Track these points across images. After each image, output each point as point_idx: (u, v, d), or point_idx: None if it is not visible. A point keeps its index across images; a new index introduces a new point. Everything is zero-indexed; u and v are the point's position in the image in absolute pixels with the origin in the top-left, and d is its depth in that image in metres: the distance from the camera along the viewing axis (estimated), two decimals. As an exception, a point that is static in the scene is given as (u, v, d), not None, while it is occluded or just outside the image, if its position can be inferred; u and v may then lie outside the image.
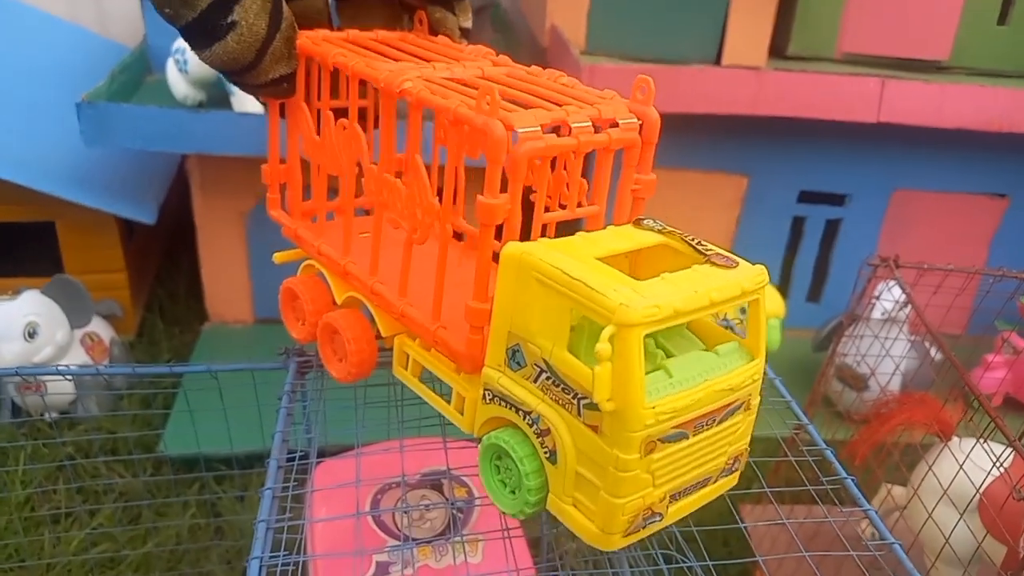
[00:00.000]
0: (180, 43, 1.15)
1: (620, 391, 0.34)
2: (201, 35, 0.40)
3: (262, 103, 0.51)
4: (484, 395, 0.41)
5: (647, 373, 0.35)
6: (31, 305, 1.08)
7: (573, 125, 0.39)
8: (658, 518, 0.38)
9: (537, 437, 0.38)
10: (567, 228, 0.44)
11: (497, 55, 0.48)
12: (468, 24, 0.51)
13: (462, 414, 0.44)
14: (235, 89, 1.13)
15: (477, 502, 0.63)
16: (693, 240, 0.39)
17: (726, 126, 1.24)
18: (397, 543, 0.58)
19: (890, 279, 0.89)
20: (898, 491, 0.85)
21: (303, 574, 0.56)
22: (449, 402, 0.45)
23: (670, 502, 0.39)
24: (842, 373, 1.18)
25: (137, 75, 1.30)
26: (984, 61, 1.28)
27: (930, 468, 0.77)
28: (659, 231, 0.41)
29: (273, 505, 0.48)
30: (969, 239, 1.41)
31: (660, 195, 1.46)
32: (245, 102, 1.13)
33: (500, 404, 0.40)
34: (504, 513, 0.42)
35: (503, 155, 0.37)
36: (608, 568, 0.47)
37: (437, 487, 0.64)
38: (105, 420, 1.14)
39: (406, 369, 0.48)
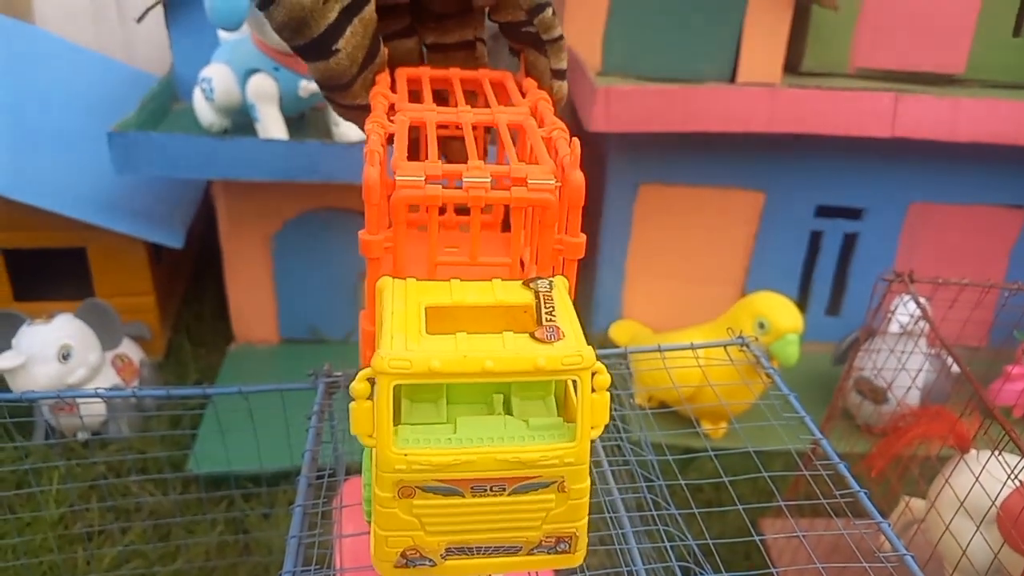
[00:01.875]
0: (207, 72, 1.19)
1: (376, 432, 0.35)
2: (309, 54, 0.45)
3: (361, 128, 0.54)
4: None
5: (438, 423, 0.37)
6: (65, 328, 1.11)
7: (466, 180, 0.39)
8: (428, 563, 0.39)
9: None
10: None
11: (550, 103, 0.49)
12: (561, 66, 0.50)
13: None
14: (260, 116, 1.16)
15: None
16: (547, 307, 0.38)
17: (742, 143, 1.25)
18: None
19: (905, 293, 0.90)
20: (917, 504, 0.85)
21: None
22: None
23: (448, 554, 0.38)
24: (861, 386, 1.19)
25: (164, 103, 1.34)
26: (999, 74, 1.29)
27: (947, 481, 0.77)
28: (535, 292, 0.39)
29: (304, 521, 0.50)
30: (988, 251, 1.41)
31: (678, 213, 1.49)
32: (269, 128, 1.16)
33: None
34: None
35: (373, 196, 0.39)
36: (627, 581, 0.48)
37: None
38: (135, 440, 1.17)
39: None
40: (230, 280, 1.31)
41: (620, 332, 1.38)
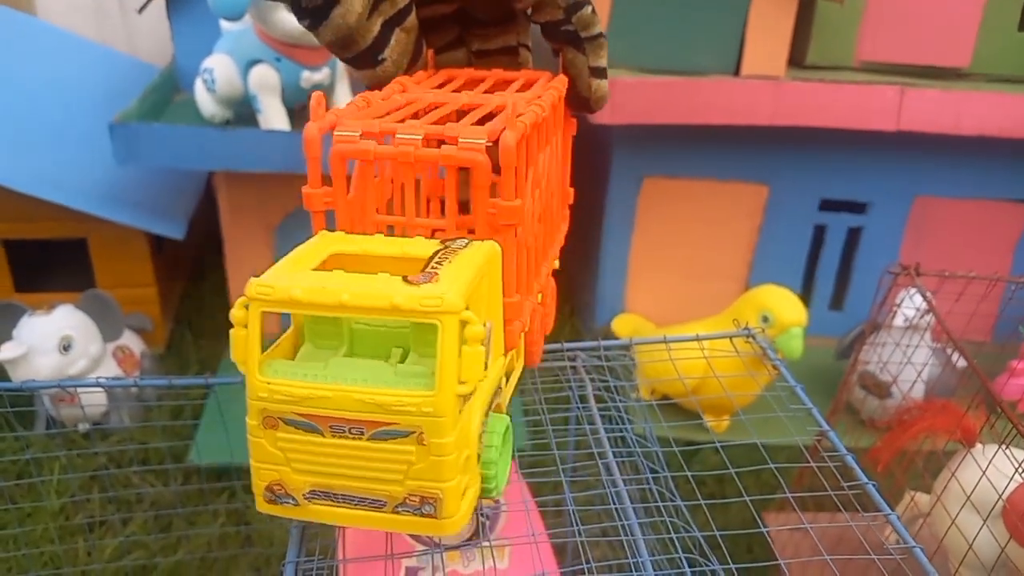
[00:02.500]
0: (208, 62, 1.18)
1: (246, 359, 0.37)
2: (357, 64, 0.47)
3: None
4: None
5: (318, 361, 0.38)
6: (66, 319, 1.11)
7: (399, 136, 0.39)
8: (291, 502, 0.38)
9: None
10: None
11: (560, 92, 0.50)
12: (601, 63, 0.51)
13: None
14: (262, 107, 1.15)
15: (503, 509, 0.64)
16: (439, 258, 0.37)
17: (746, 136, 1.25)
18: (426, 548, 0.59)
19: (911, 287, 0.89)
20: (922, 498, 0.85)
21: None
22: None
23: (312, 496, 0.38)
24: (865, 380, 1.18)
25: (166, 94, 1.34)
26: (1004, 67, 1.28)
27: (953, 474, 0.77)
28: (443, 248, 0.39)
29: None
30: (993, 245, 1.40)
31: (682, 205, 1.48)
32: (272, 119, 1.15)
33: None
34: None
35: (313, 151, 0.40)
36: (632, 572, 0.48)
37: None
38: (136, 431, 1.17)
39: None
40: (231, 271, 1.30)
41: (622, 326, 1.37)
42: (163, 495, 1.06)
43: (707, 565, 0.50)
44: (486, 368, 0.37)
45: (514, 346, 0.46)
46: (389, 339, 0.40)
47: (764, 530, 0.55)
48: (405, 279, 0.36)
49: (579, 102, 0.53)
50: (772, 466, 0.56)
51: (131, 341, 1.22)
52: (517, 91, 0.48)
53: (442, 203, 0.46)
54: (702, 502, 0.55)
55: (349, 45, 0.46)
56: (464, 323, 0.35)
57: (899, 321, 1.08)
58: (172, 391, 1.21)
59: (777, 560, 0.52)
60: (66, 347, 1.10)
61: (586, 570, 0.49)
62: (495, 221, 0.41)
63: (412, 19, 0.47)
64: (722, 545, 0.51)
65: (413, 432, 0.36)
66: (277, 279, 0.35)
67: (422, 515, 0.38)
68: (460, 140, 0.39)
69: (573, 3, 0.48)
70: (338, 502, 0.38)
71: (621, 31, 1.21)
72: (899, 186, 1.35)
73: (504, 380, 0.45)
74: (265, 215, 1.26)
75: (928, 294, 0.88)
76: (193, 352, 1.34)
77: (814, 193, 1.35)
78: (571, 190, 0.60)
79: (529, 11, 0.51)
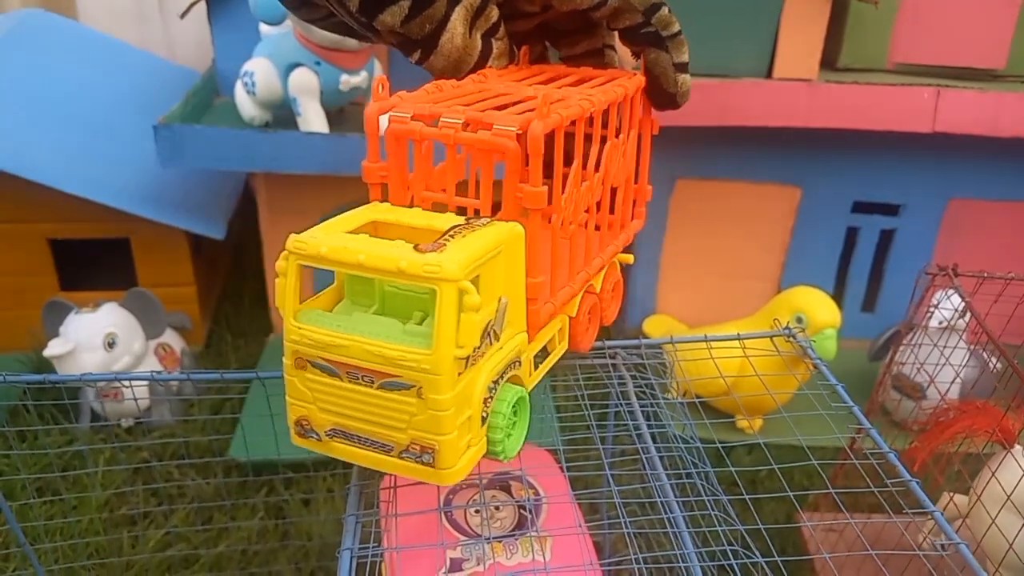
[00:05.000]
0: (248, 66, 1.21)
1: (285, 305, 0.41)
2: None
3: None
4: None
5: (346, 314, 0.42)
6: (111, 317, 1.14)
7: (443, 120, 0.42)
8: (315, 436, 0.43)
9: None
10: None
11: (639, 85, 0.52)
12: (684, 59, 0.52)
13: None
14: (301, 110, 1.17)
15: (545, 501, 0.65)
16: (450, 233, 0.41)
17: (779, 138, 1.25)
18: (471, 539, 0.61)
19: (948, 288, 0.89)
20: (959, 499, 0.85)
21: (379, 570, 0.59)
22: None
23: (332, 434, 0.43)
24: (899, 382, 1.18)
25: (207, 97, 1.36)
26: (1041, 69, 1.27)
27: (993, 475, 0.77)
28: (462, 224, 0.42)
29: (360, 500, 0.51)
30: (1028, 248, 1.39)
31: (716, 206, 1.48)
32: (311, 122, 1.18)
33: None
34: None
35: (372, 128, 0.44)
36: (679, 563, 0.49)
37: (505, 488, 0.66)
38: (177, 426, 1.19)
39: None
40: (270, 271, 1.33)
41: (654, 327, 1.38)
42: (204, 489, 1.08)
43: (750, 558, 0.51)
44: (494, 338, 0.42)
45: (539, 325, 0.48)
46: (414, 303, 0.44)
47: (807, 524, 0.56)
48: (416, 247, 0.39)
49: (665, 99, 0.54)
50: (815, 463, 0.57)
51: (172, 339, 1.25)
52: (593, 87, 0.50)
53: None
54: (745, 496, 0.55)
55: (461, 66, 0.47)
56: (462, 292, 0.38)
57: (935, 322, 1.08)
58: (212, 388, 1.24)
59: (814, 556, 0.53)
60: (111, 344, 1.12)
61: (633, 561, 0.50)
62: (521, 204, 0.43)
63: (503, 34, 0.49)
64: (767, 540, 0.52)
65: (414, 386, 0.40)
66: (312, 236, 0.40)
67: (422, 463, 0.42)
68: (494, 127, 0.41)
69: (651, 4, 0.49)
70: (353, 442, 0.43)
71: (654, 34, 1.22)
72: (933, 188, 1.34)
73: (532, 357, 0.48)
74: (303, 216, 1.28)
75: (966, 295, 0.88)
76: (231, 351, 1.37)
77: (847, 195, 1.35)
78: (649, 187, 0.60)
79: (606, 20, 0.52)
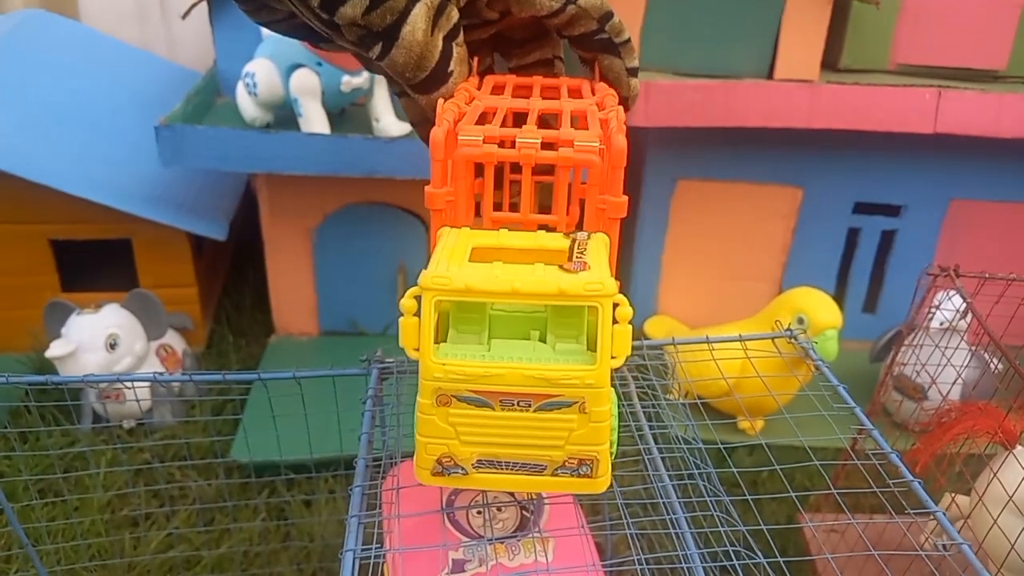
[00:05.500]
0: (250, 67, 1.21)
1: (420, 344, 0.40)
2: (431, 85, 0.49)
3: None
4: None
5: (480, 344, 0.41)
6: (112, 318, 1.14)
7: (519, 140, 0.42)
8: (460, 471, 0.43)
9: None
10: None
11: (615, 96, 0.52)
12: (634, 64, 0.54)
13: None
14: (303, 111, 1.18)
15: (547, 502, 0.65)
16: (578, 248, 0.42)
17: (780, 139, 1.25)
18: (472, 540, 0.61)
19: (950, 289, 0.89)
20: (961, 500, 0.85)
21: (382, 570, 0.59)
22: None
23: (480, 465, 0.42)
24: (901, 383, 1.18)
25: (208, 98, 1.36)
26: (1042, 70, 1.27)
27: (995, 475, 0.77)
28: (572, 239, 0.43)
29: (363, 501, 0.51)
30: (1029, 249, 1.39)
31: (716, 208, 1.49)
32: (312, 123, 1.18)
33: None
34: None
35: (438, 153, 0.43)
36: (681, 564, 0.49)
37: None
38: (178, 427, 1.19)
39: None
40: (272, 272, 1.33)
41: (655, 328, 1.38)
42: (205, 490, 1.08)
43: (752, 558, 0.51)
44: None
45: None
46: (524, 323, 0.44)
47: (809, 525, 0.56)
48: (561, 267, 0.40)
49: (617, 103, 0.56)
50: (817, 463, 0.57)
51: (173, 340, 1.25)
52: (570, 96, 0.51)
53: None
54: (748, 497, 0.55)
55: (422, 63, 0.47)
56: (616, 305, 0.39)
57: (936, 323, 1.08)
58: (214, 389, 1.24)
59: (816, 556, 0.53)
60: (112, 345, 1.12)
61: (635, 562, 0.50)
62: (605, 215, 0.45)
63: (462, 37, 0.49)
64: (769, 541, 0.52)
65: (576, 402, 0.41)
66: (447, 272, 0.39)
67: (579, 475, 0.43)
68: (576, 143, 0.42)
69: (605, 13, 0.51)
70: (502, 469, 0.43)
71: (656, 35, 1.22)
72: (934, 189, 1.34)
73: None
74: (305, 216, 1.29)
75: (967, 296, 0.88)
76: (233, 351, 1.37)
77: (848, 196, 1.35)
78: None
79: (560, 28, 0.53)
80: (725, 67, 1.22)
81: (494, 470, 0.43)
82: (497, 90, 0.52)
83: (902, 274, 1.40)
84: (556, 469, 0.42)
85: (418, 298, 0.39)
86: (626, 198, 0.45)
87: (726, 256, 1.39)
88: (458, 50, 0.49)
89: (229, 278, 1.58)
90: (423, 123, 0.56)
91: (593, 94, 0.52)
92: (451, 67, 0.48)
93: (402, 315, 0.40)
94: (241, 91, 1.24)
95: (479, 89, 0.52)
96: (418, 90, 0.49)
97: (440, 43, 0.47)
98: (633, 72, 0.54)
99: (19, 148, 1.21)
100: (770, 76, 1.24)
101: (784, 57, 1.22)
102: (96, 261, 1.34)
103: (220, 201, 1.38)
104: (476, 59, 0.54)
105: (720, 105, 1.17)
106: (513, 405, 0.40)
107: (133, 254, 1.31)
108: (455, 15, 0.48)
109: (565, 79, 0.56)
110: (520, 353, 0.41)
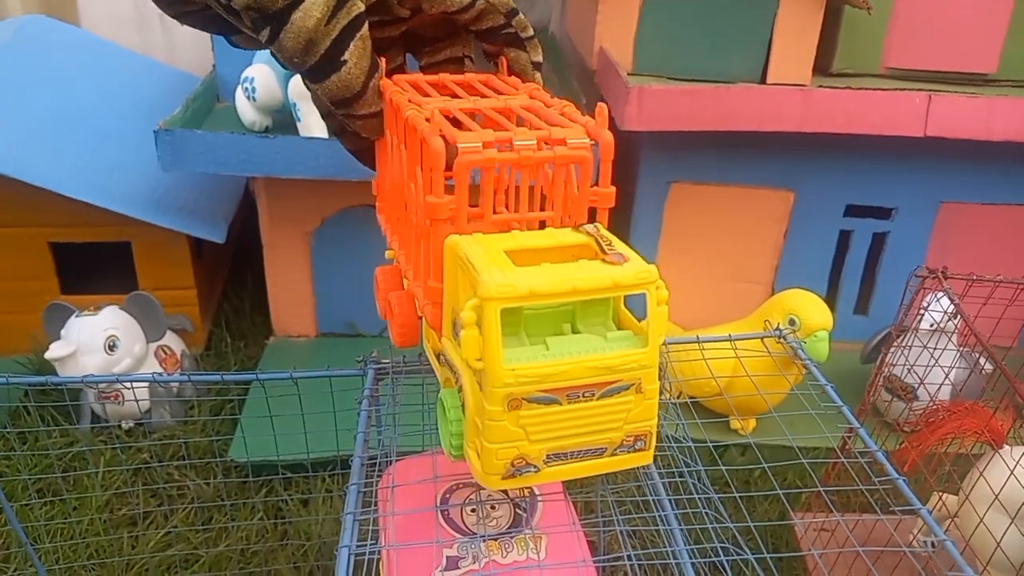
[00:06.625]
0: (249, 72, 1.22)
1: (485, 353, 0.40)
2: (321, 72, 0.49)
3: (373, 140, 0.58)
4: (439, 358, 0.49)
5: (532, 344, 0.43)
6: (111, 320, 1.15)
7: (516, 143, 0.44)
8: (533, 470, 0.44)
9: (459, 392, 0.45)
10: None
11: (542, 90, 0.54)
12: (538, 58, 0.57)
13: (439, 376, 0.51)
14: (302, 115, 1.19)
15: (539, 500, 0.66)
16: (605, 241, 0.44)
17: (773, 143, 1.26)
18: (466, 538, 0.62)
19: (938, 290, 0.90)
20: (949, 499, 0.86)
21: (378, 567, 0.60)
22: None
23: (549, 460, 0.44)
24: (890, 383, 1.19)
25: (207, 102, 1.38)
26: (1032, 74, 1.29)
27: (981, 475, 0.78)
28: (586, 233, 0.45)
29: (358, 499, 0.52)
30: (1020, 250, 1.40)
31: (709, 211, 1.49)
32: (311, 127, 1.19)
33: (445, 366, 0.48)
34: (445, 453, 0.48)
35: (440, 163, 0.43)
36: (670, 560, 0.50)
37: (501, 487, 0.67)
38: (177, 427, 1.20)
39: (428, 344, 0.55)
40: (270, 275, 1.34)
41: (650, 329, 1.39)
42: (203, 490, 1.09)
43: (741, 555, 0.52)
44: None
45: None
46: (553, 318, 0.46)
47: (798, 522, 0.57)
48: (603, 261, 0.42)
49: None
50: (805, 461, 0.58)
51: (172, 342, 1.26)
52: (498, 92, 0.53)
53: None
54: (736, 494, 0.57)
55: (311, 48, 0.47)
56: (657, 288, 0.42)
57: (925, 324, 1.09)
58: (212, 389, 1.25)
59: (805, 553, 0.54)
60: (112, 347, 1.14)
61: (626, 559, 0.51)
62: (597, 205, 0.47)
63: (367, 29, 0.49)
64: (757, 538, 0.53)
65: (633, 384, 0.43)
66: (506, 280, 0.40)
67: (635, 451, 0.45)
68: (569, 141, 0.45)
69: (511, 9, 0.54)
70: (567, 460, 0.44)
71: (649, 40, 1.24)
72: (925, 192, 1.36)
73: None
74: (303, 220, 1.30)
75: (956, 298, 0.89)
76: (232, 353, 1.38)
77: (840, 199, 1.36)
78: None
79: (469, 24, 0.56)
80: (718, 71, 1.24)
81: (562, 462, 0.44)
82: (419, 90, 0.54)
83: (893, 276, 1.41)
84: (615, 449, 0.45)
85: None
86: (614, 188, 0.47)
87: (719, 258, 1.40)
88: (359, 43, 0.49)
89: (228, 281, 1.59)
90: (345, 134, 0.57)
91: (516, 88, 0.54)
92: (345, 56, 0.48)
93: (462, 329, 0.40)
94: (240, 96, 1.25)
95: (412, 90, 0.53)
96: (309, 78, 0.50)
97: (336, 33, 0.47)
98: (538, 66, 0.57)
99: (19, 152, 1.22)
100: (763, 80, 1.25)
101: (776, 61, 1.24)
102: (96, 264, 1.35)
103: (219, 204, 1.39)
104: (384, 58, 0.54)
105: (713, 109, 1.18)
106: (579, 397, 0.42)
107: (133, 257, 1.32)
108: (357, 8, 0.48)
109: (471, 75, 0.57)
110: (577, 347, 0.42)
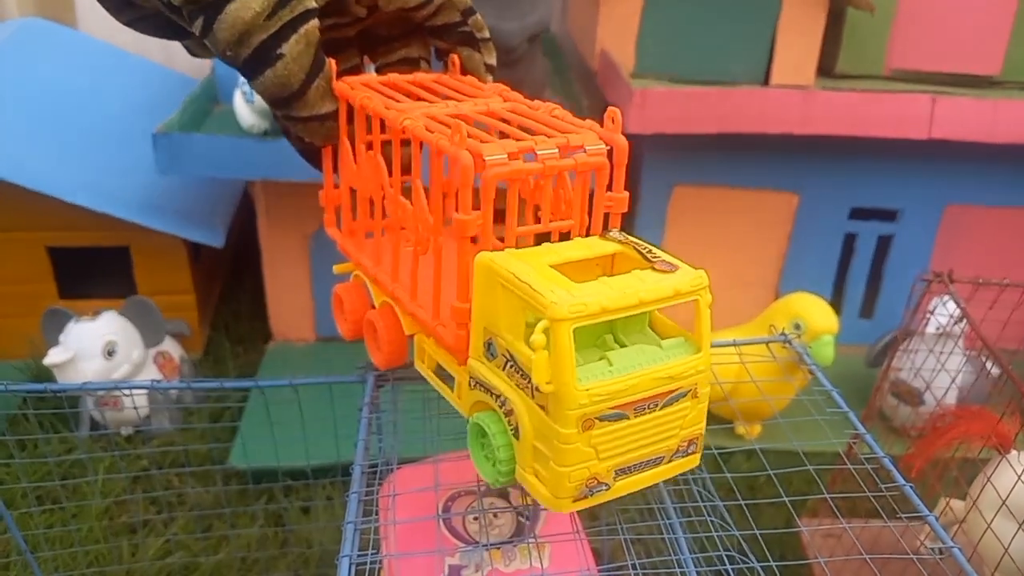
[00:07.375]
0: (247, 75, 1.21)
1: (556, 375, 0.39)
2: (256, 66, 0.47)
3: (318, 146, 0.56)
4: (469, 382, 0.47)
5: (594, 361, 0.42)
6: (110, 325, 1.14)
7: (539, 152, 0.43)
8: (604, 488, 0.43)
9: (505, 416, 0.44)
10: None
11: (511, 90, 0.53)
12: (492, 61, 0.56)
13: (460, 399, 0.50)
14: (300, 118, 1.18)
15: (543, 508, 0.65)
16: (643, 248, 0.44)
17: (776, 145, 1.26)
18: (469, 546, 0.61)
19: (944, 294, 0.90)
20: (956, 504, 0.85)
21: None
22: (452, 389, 0.51)
23: (617, 476, 0.43)
24: (897, 388, 1.18)
25: (205, 105, 1.37)
26: (1036, 75, 1.28)
27: (988, 480, 0.77)
28: (619, 242, 0.45)
29: (359, 508, 0.51)
30: (1025, 253, 1.40)
31: (712, 214, 1.49)
32: (309, 130, 1.18)
33: (480, 389, 0.46)
34: (485, 481, 0.47)
35: (471, 179, 0.42)
36: (675, 569, 0.49)
37: (503, 494, 0.66)
38: (176, 434, 1.20)
39: (424, 363, 0.54)
40: (269, 279, 1.33)
41: (652, 333, 1.38)
42: (203, 497, 1.08)
43: (746, 563, 0.51)
44: None
45: None
46: (592, 331, 0.45)
47: (803, 529, 0.56)
48: (655, 270, 0.42)
49: None
50: (810, 467, 0.57)
51: (171, 347, 1.25)
52: (461, 94, 0.53)
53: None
54: (742, 502, 0.56)
55: (245, 39, 0.46)
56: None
57: (931, 328, 1.08)
58: (212, 396, 1.24)
59: (812, 560, 0.53)
60: (110, 352, 1.13)
61: (631, 567, 0.50)
62: (611, 211, 0.47)
63: (313, 27, 0.48)
64: (762, 545, 0.52)
65: (690, 390, 0.43)
66: (574, 299, 0.39)
67: (688, 455, 0.46)
68: (587, 148, 0.44)
69: (468, 7, 0.53)
70: (632, 472, 0.44)
71: (651, 42, 1.23)
72: (930, 194, 1.35)
73: None
74: (301, 223, 1.29)
75: (961, 301, 0.88)
76: (230, 358, 1.37)
77: (844, 201, 1.35)
78: None
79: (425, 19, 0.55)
80: (721, 73, 1.23)
81: (627, 475, 0.44)
82: (377, 92, 0.53)
83: (899, 279, 1.40)
84: (672, 455, 0.45)
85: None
86: (627, 193, 0.47)
87: (723, 262, 1.39)
88: (301, 38, 0.47)
89: (227, 285, 1.58)
90: (289, 134, 0.55)
91: (479, 89, 0.53)
92: (282, 50, 0.47)
93: (533, 352, 0.39)
94: (238, 99, 1.24)
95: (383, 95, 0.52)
96: (244, 73, 0.48)
97: (275, 28, 0.46)
98: (491, 69, 0.56)
99: (16, 156, 1.22)
100: (766, 82, 1.24)
101: (780, 63, 1.23)
102: (94, 268, 1.34)
103: (217, 208, 1.38)
104: (338, 59, 0.53)
105: (716, 111, 1.17)
106: (645, 409, 0.42)
107: (131, 261, 1.32)
108: (303, 6, 0.47)
109: (423, 75, 0.56)
110: (638, 360, 0.42)
